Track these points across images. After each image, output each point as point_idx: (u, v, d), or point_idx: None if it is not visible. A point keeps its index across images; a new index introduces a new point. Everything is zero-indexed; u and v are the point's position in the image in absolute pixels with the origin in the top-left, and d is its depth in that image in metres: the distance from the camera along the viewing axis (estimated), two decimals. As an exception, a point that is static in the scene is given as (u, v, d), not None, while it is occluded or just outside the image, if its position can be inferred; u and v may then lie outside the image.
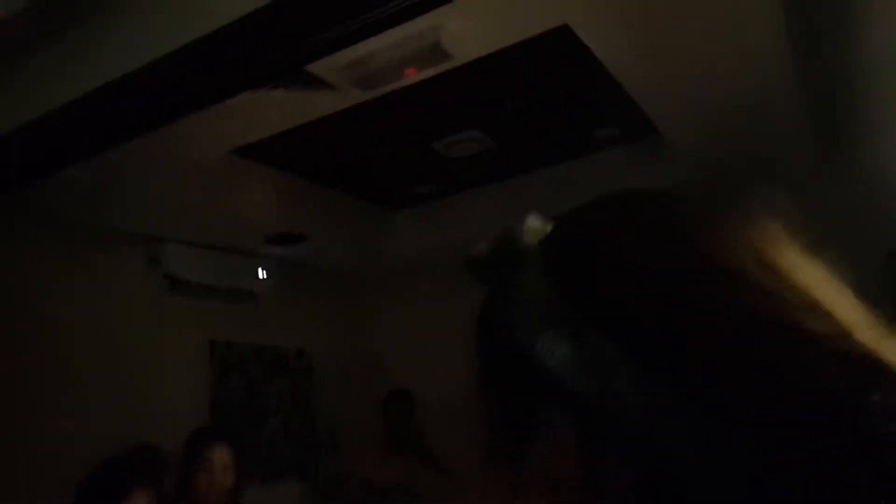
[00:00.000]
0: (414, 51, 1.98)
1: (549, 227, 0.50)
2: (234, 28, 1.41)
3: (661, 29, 2.02)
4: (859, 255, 0.51)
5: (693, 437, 0.38)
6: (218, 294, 3.59)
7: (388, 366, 4.22)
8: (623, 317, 0.42)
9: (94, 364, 2.99)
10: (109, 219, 3.04)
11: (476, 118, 2.86)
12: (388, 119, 2.71)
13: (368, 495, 3.24)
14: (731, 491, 0.37)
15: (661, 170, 3.13)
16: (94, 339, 3.02)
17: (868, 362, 0.38)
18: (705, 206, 0.47)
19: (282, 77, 2.01)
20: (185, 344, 3.47)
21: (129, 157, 2.45)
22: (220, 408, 3.59)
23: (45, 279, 2.90)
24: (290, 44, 1.42)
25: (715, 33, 2.02)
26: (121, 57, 1.61)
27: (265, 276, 3.74)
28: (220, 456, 2.15)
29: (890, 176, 2.61)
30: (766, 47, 2.05)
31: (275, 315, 3.95)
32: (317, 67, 2.04)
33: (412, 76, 2.17)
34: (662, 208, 0.48)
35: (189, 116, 2.18)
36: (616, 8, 1.91)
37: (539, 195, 3.51)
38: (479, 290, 0.49)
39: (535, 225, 0.50)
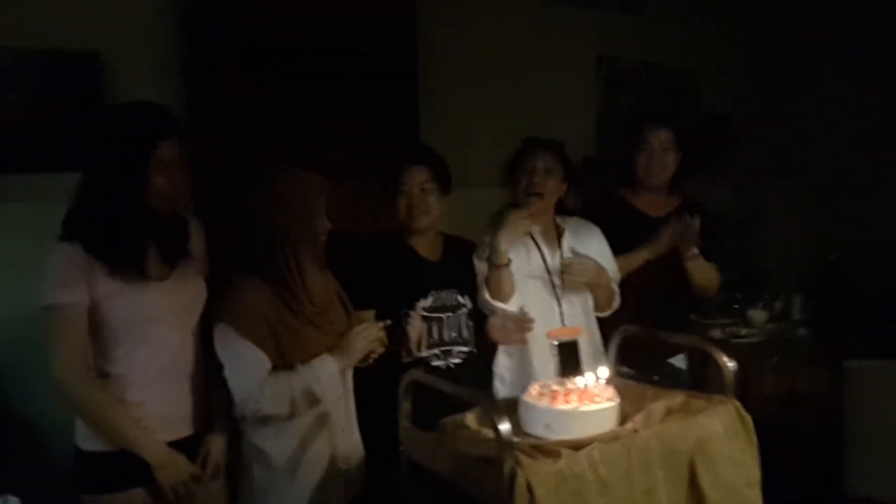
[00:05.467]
0: None
1: None
2: None
3: None
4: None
5: None
6: (605, 4, 3.50)
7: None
8: None
9: (484, 66, 3.19)
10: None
11: None
12: None
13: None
14: None
15: None
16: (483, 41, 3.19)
17: None
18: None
19: None
20: (572, 57, 3.51)
21: None
22: (607, 121, 3.65)
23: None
24: None
25: None
26: None
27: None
28: (658, 137, 2.37)
29: None
30: None
31: (664, 31, 3.75)
32: None
33: None
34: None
35: None
36: None
37: None
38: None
39: None
